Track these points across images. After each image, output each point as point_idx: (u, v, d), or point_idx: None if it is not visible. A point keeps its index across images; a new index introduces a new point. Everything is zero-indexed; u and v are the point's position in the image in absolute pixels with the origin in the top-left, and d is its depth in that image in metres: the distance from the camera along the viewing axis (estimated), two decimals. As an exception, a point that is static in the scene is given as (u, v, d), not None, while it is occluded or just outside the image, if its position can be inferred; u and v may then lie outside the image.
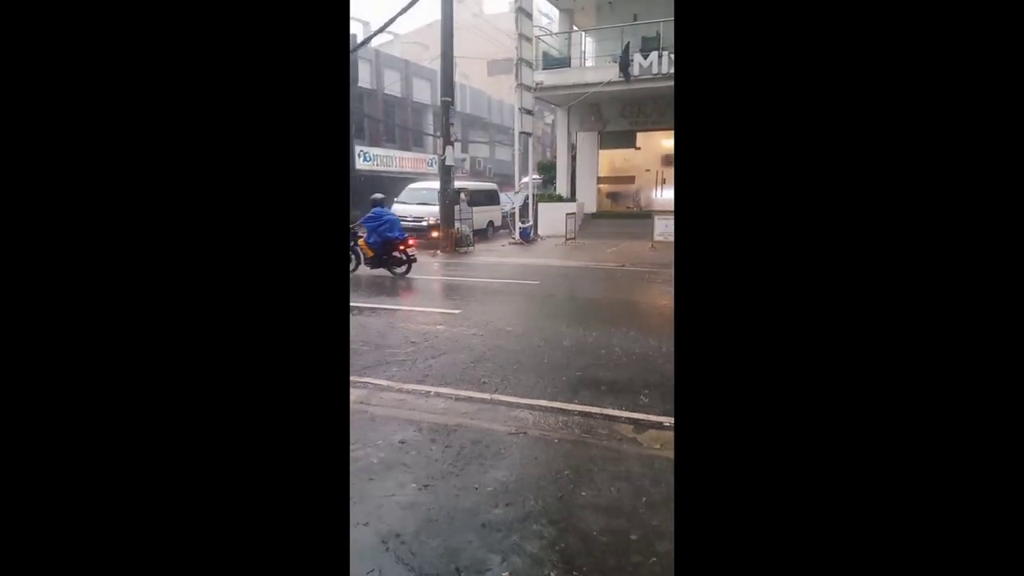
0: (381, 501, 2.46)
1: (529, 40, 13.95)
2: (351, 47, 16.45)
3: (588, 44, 16.47)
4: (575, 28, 16.54)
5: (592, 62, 15.85)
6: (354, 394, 3.83)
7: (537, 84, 14.32)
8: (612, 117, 15.70)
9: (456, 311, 6.49)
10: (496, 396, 3.77)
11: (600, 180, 16.77)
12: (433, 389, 3.91)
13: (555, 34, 16.83)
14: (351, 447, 2.98)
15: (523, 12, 13.64)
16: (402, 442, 3.05)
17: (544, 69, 14.81)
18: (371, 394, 3.83)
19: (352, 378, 4.16)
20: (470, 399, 3.72)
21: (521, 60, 13.57)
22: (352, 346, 4.97)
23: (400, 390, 3.91)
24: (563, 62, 15.41)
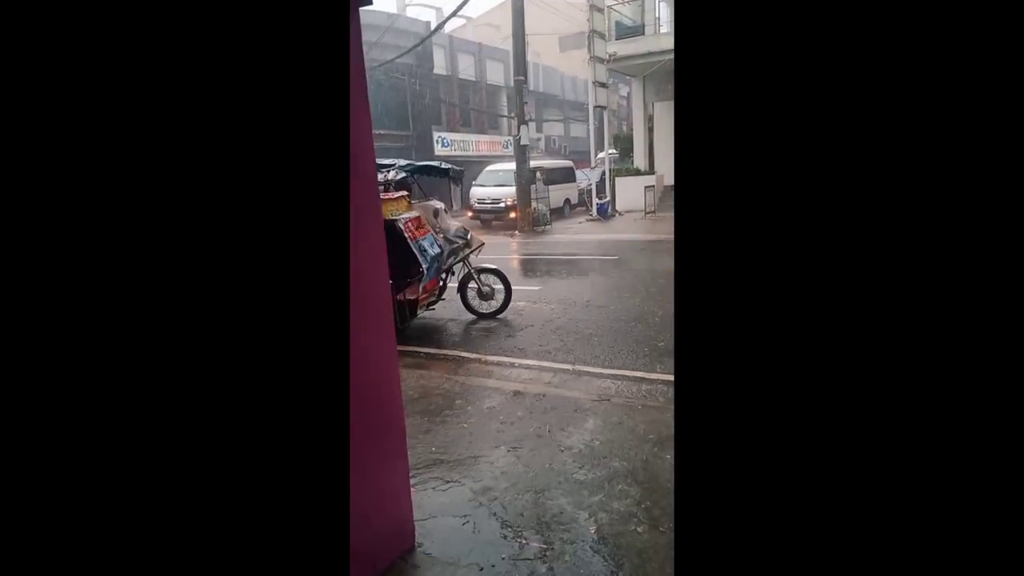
0: (473, 461, 2.62)
1: (601, 11, 13.64)
2: (428, 32, 16.78)
3: (662, 9, 15.83)
4: (648, -7, 15.95)
5: (667, 28, 15.23)
6: (445, 366, 4.04)
7: (611, 55, 13.99)
8: (691, 83, 15.06)
9: (536, 287, 6.60)
10: (579, 367, 3.85)
11: (680, 150, 16.21)
12: (518, 361, 4.05)
13: (627, 2, 16.31)
14: (445, 413, 3.17)
15: (594, -18, 13.33)
16: (490, 408, 3.21)
17: (617, 39, 14.43)
18: (457, 366, 4.03)
19: (441, 351, 4.38)
20: (554, 370, 3.82)
21: (593, 32, 13.31)
22: (439, 323, 5.22)
23: (487, 362, 4.08)
24: (636, 30, 14.93)
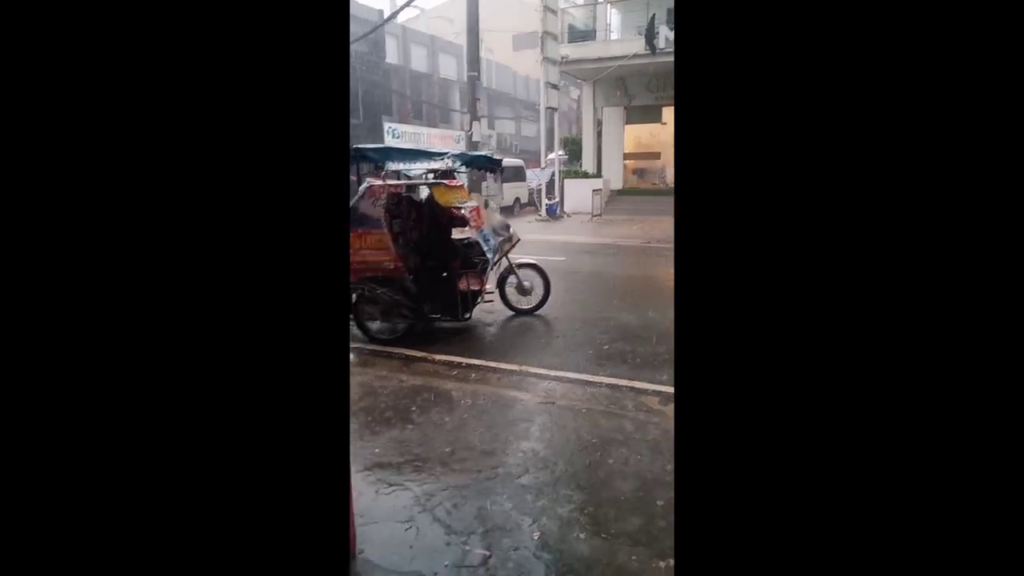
0: (417, 464, 2.58)
1: (554, 12, 13.73)
2: (380, 20, 16.42)
3: (614, 16, 16.13)
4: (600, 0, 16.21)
5: (617, 35, 15.55)
6: (390, 364, 3.96)
7: (563, 58, 14.11)
8: (638, 91, 15.42)
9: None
10: (525, 367, 3.86)
11: (626, 156, 16.57)
12: (464, 360, 4.02)
13: (580, 6, 16.51)
14: (388, 413, 3.11)
15: (549, -17, 13.39)
16: (436, 409, 3.17)
17: (570, 42, 14.58)
18: (403, 365, 3.97)
19: (385, 349, 4.30)
20: (499, 370, 3.82)
21: (547, 33, 13.38)
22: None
23: (433, 361, 4.03)
24: (588, 35, 15.15)
